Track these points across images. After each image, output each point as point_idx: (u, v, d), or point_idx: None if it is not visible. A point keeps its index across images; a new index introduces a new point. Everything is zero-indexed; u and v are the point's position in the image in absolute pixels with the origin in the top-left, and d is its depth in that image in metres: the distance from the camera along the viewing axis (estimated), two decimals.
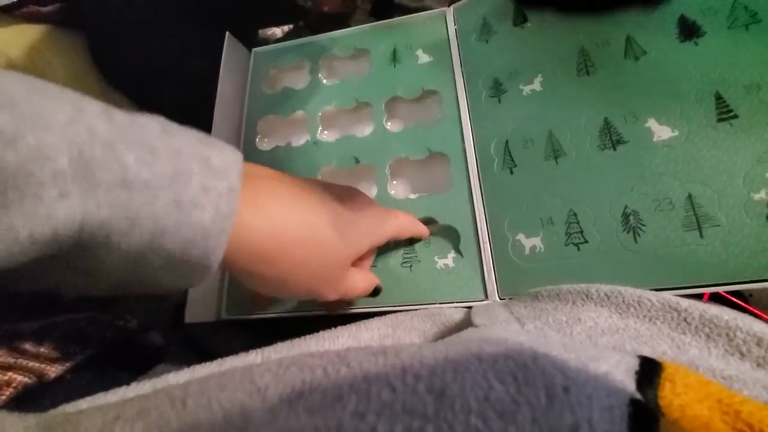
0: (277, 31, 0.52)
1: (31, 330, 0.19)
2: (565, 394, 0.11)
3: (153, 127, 0.14)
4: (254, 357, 0.19)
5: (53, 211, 0.12)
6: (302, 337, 0.21)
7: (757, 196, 0.21)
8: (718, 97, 0.24)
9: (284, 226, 0.17)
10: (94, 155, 0.12)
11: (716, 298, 0.21)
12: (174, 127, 0.15)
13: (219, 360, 0.18)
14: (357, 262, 0.25)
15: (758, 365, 0.15)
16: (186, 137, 0.15)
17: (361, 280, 0.24)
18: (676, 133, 0.24)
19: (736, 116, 0.23)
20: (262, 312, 0.29)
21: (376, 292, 0.27)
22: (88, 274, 0.14)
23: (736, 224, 0.21)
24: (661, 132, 0.24)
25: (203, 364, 0.18)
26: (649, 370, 0.13)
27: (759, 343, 0.15)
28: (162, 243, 0.14)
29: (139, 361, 0.23)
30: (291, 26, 0.51)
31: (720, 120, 0.23)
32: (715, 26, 0.25)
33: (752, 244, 0.21)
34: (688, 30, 0.26)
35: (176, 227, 0.14)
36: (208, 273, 0.15)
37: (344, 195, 0.23)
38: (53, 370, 0.18)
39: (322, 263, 0.20)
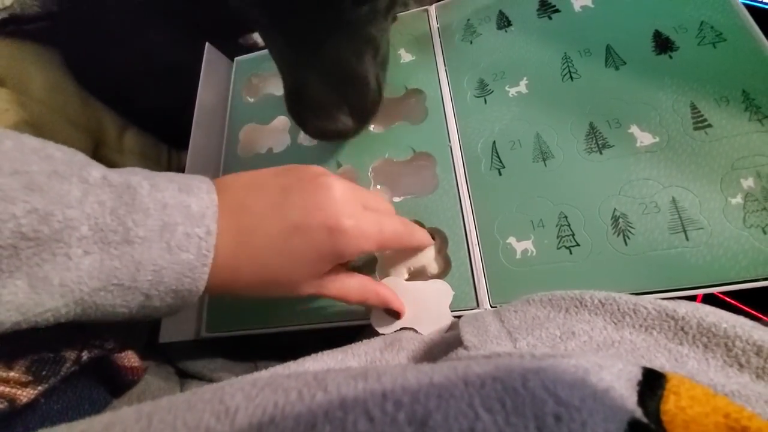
0: (259, 39, 0.50)
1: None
2: (556, 425, 0.10)
3: (143, 186, 0.18)
4: None
5: (80, 265, 0.16)
6: (284, 365, 0.20)
7: (734, 201, 0.22)
8: (693, 107, 0.25)
9: (238, 261, 0.20)
10: (105, 222, 0.16)
11: (712, 299, 0.21)
12: (159, 180, 0.19)
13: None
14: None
15: (757, 376, 0.15)
16: (170, 190, 0.18)
17: (352, 286, 0.23)
18: (657, 139, 0.25)
19: (710, 125, 0.24)
20: (244, 329, 0.26)
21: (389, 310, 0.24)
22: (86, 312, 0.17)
23: (717, 227, 0.22)
24: (643, 138, 0.25)
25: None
26: (652, 381, 0.12)
27: (758, 352, 0.15)
28: (160, 278, 0.18)
29: (116, 384, 0.23)
30: None
31: (696, 128, 0.24)
32: (687, 42, 0.26)
33: (733, 246, 0.22)
34: (663, 44, 0.27)
35: (170, 266, 0.18)
36: (198, 295, 0.19)
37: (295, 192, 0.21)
38: (24, 395, 0.18)
39: (292, 258, 0.20)
